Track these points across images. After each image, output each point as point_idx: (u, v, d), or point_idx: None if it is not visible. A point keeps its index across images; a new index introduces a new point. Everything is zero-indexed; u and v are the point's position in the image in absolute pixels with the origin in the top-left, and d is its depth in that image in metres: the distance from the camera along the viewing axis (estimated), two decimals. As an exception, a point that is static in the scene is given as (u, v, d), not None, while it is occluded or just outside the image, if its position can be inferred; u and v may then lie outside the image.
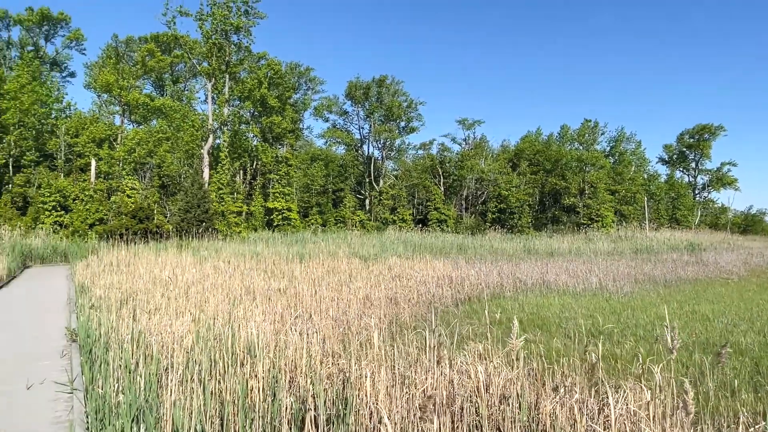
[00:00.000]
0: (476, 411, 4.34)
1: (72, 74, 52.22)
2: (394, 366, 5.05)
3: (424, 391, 4.55)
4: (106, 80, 40.05)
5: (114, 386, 5.64)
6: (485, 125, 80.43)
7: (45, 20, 47.42)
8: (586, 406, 4.50)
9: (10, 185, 36.70)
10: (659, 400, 4.02)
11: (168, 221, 32.58)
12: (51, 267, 23.18)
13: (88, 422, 5.30)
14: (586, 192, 56.16)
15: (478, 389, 4.45)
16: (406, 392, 4.56)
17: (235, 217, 38.22)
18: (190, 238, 29.29)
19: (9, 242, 24.07)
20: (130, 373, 5.87)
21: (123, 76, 41.54)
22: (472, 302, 14.38)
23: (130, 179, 35.50)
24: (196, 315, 8.86)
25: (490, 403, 4.37)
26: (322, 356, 6.29)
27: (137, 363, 6.18)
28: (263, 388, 5.27)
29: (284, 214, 43.02)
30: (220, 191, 38.00)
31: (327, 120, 58.64)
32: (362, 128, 58.20)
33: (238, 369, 5.66)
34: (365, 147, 58.79)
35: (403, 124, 57.69)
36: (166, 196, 37.59)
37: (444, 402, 4.48)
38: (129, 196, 34.12)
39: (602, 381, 4.58)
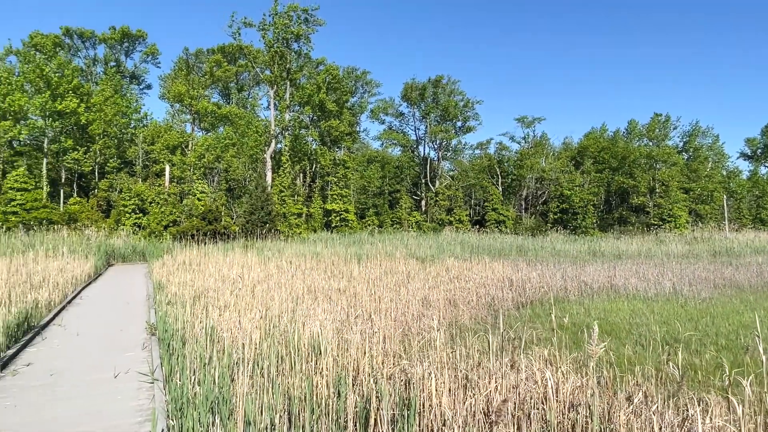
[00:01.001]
0: (543, 418, 4.21)
1: (148, 86, 56.38)
2: (456, 368, 5.01)
3: (487, 395, 4.49)
4: (178, 91, 42.84)
5: (191, 378, 6.02)
6: (546, 122, 77.65)
7: (125, 38, 51.52)
8: (664, 419, 4.24)
9: (96, 190, 40.16)
10: (750, 417, 3.70)
11: (234, 223, 34.23)
12: (131, 265, 25.07)
13: (168, 411, 5.69)
14: (657, 191, 52.68)
15: (545, 395, 4.32)
16: (471, 395, 4.51)
17: (295, 219, 39.48)
18: (255, 239, 30.61)
19: (95, 242, 26.32)
20: (204, 366, 6.25)
21: (193, 87, 44.22)
22: (534, 306, 13.93)
23: (200, 183, 37.69)
24: (262, 312, 9.25)
25: (558, 410, 4.23)
26: (383, 356, 6.37)
27: (210, 356, 6.56)
28: (327, 385, 5.42)
29: (342, 216, 43.86)
30: (282, 194, 39.41)
31: (383, 122, 59.21)
32: (418, 129, 58.21)
33: (304, 366, 5.86)
34: (421, 148, 58.73)
35: (459, 123, 57.08)
36: (233, 198, 39.54)
37: (509, 407, 4.39)
38: (199, 199, 36.22)
39: (685, 393, 4.29)
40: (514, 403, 4.41)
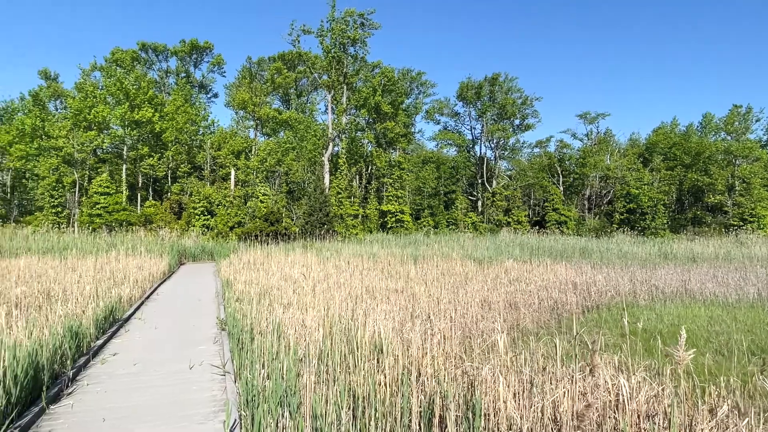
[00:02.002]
0: (616, 427, 4.04)
1: (215, 95, 59.63)
2: (520, 372, 4.92)
3: (554, 401, 4.36)
4: (242, 98, 44.96)
5: (260, 371, 6.32)
6: (610, 118, 73.61)
7: (194, 50, 54.78)
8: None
9: (169, 193, 42.99)
10: None
11: (294, 224, 35.38)
12: (200, 264, 26.58)
13: (240, 402, 6.02)
14: (737, 188, 48.53)
15: (617, 403, 4.14)
16: (538, 400, 4.41)
17: (352, 220, 40.15)
18: (314, 239, 31.48)
19: (168, 242, 28.18)
20: (272, 360, 6.54)
21: (256, 94, 46.21)
22: (600, 310, 13.33)
23: (262, 186, 39.30)
24: (323, 311, 9.52)
25: (632, 419, 4.04)
26: (444, 357, 6.36)
27: (277, 352, 6.85)
28: (389, 384, 5.51)
29: (397, 217, 44.06)
30: (339, 195, 40.23)
31: (438, 122, 58.85)
32: (474, 129, 57.32)
33: (366, 364, 5.98)
34: (477, 148, 57.78)
35: (517, 121, 55.60)
36: (293, 200, 40.88)
37: (576, 414, 4.25)
38: (261, 202, 37.77)
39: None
40: (592, 410, 4.26)
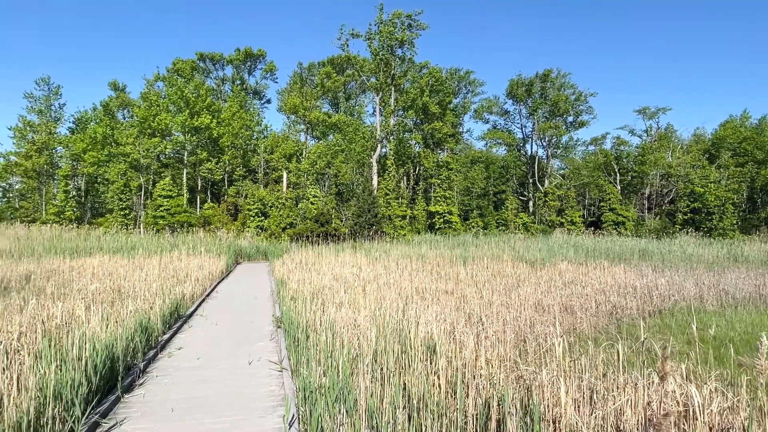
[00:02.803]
0: (685, 439, 3.85)
1: (268, 101, 61.66)
2: (580, 378, 4.78)
3: (617, 409, 4.21)
4: (293, 103, 46.27)
5: (316, 369, 6.51)
6: (672, 113, 69.38)
7: (248, 57, 56.97)
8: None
9: (226, 196, 44.94)
10: None
11: (343, 225, 35.97)
12: (255, 264, 27.60)
13: (297, 398, 6.23)
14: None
15: (686, 414, 3.94)
16: (600, 407, 4.27)
17: (400, 221, 40.29)
18: (362, 240, 31.87)
19: (225, 243, 29.44)
20: (327, 358, 6.72)
21: (306, 98, 47.42)
22: (663, 315, 12.64)
23: (312, 188, 40.27)
24: (375, 310, 9.64)
25: None
26: (499, 361, 6.28)
27: (332, 350, 7.02)
28: (443, 385, 5.51)
29: (445, 218, 43.76)
30: (387, 197, 40.49)
31: (487, 121, 57.89)
32: (524, 127, 55.90)
33: (420, 365, 6.02)
34: (528, 146, 56.31)
35: (570, 118, 53.68)
36: (342, 202, 41.58)
37: (646, 423, 4.08)
38: (312, 203, 38.70)
39: None
40: (670, 419, 4.09)
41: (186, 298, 13.54)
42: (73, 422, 5.53)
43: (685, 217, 44.45)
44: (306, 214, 36.88)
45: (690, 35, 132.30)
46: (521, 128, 56.14)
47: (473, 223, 46.55)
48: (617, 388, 4.66)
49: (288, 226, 36.13)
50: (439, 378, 5.39)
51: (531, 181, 54.07)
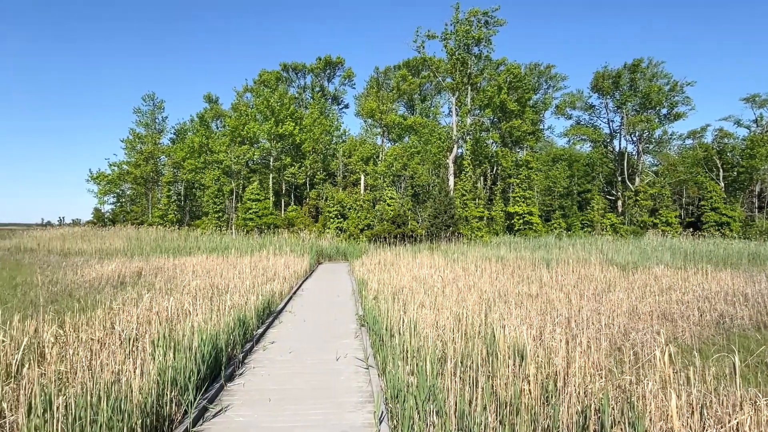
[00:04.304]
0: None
1: (346, 106, 63.59)
2: (687, 392, 4.45)
3: (732, 428, 3.86)
4: (370, 107, 47.29)
5: (402, 368, 6.65)
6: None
7: (327, 65, 59.19)
8: None
9: (307, 199, 47.00)
10: None
11: (420, 226, 36.09)
12: (335, 264, 28.58)
13: (385, 395, 6.40)
14: None
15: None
16: (714, 425, 3.95)
17: (477, 222, 39.59)
18: (439, 242, 31.76)
19: (308, 243, 30.80)
20: (412, 358, 6.84)
21: (382, 102, 48.24)
22: (782, 328, 11.26)
23: (389, 190, 40.86)
24: (457, 312, 9.61)
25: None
26: (593, 369, 6.01)
27: (417, 350, 7.13)
28: (533, 391, 5.39)
29: (525, 219, 42.29)
30: (464, 197, 39.98)
31: (570, 117, 55.12)
32: (612, 121, 52.48)
33: (508, 369, 5.93)
34: (616, 142, 52.77)
35: (664, 111, 49.50)
36: (418, 203, 41.74)
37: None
38: (389, 205, 39.28)
39: None
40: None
41: (275, 295, 14.38)
42: (187, 405, 6.14)
43: (808, 216, 39.16)
44: (383, 215, 37.50)
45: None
46: (608, 123, 52.82)
47: (555, 225, 44.53)
48: (733, 405, 4.27)
49: (366, 228, 36.96)
50: (529, 383, 5.28)
51: (620, 179, 50.61)
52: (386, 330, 8.81)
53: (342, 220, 39.06)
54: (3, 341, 7.44)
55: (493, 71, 45.60)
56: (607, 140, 53.13)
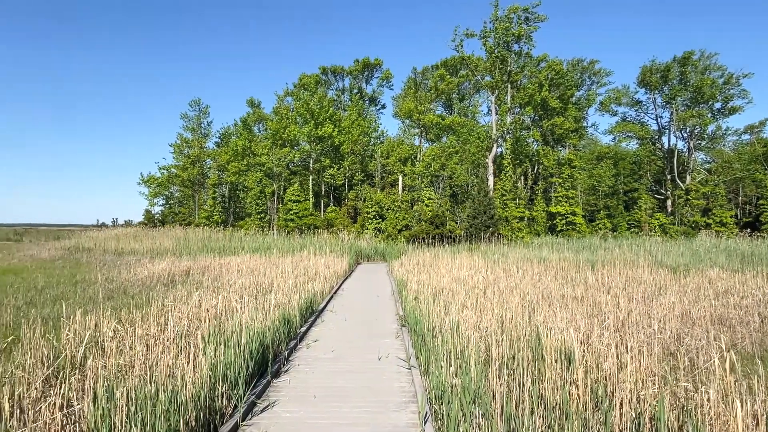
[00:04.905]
0: None
1: (383, 107, 63.85)
2: (754, 401, 4.22)
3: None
4: (407, 108, 47.33)
5: (446, 369, 6.63)
6: None
7: (365, 67, 59.66)
8: None
9: (346, 200, 47.54)
10: None
11: (458, 227, 35.77)
12: (374, 264, 28.77)
13: (429, 395, 6.41)
14: None
15: None
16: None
17: (517, 222, 38.85)
18: (478, 242, 31.37)
19: (347, 244, 31.15)
20: (456, 359, 6.81)
21: (420, 102, 48.17)
22: None
23: (427, 191, 40.75)
24: (500, 314, 9.48)
25: None
26: (645, 375, 5.80)
27: (461, 351, 7.09)
28: (581, 396, 5.26)
29: (568, 219, 41.14)
30: (504, 197, 39.33)
31: (615, 114, 53.13)
32: (660, 117, 50.22)
33: (553, 373, 5.81)
34: (665, 138, 50.47)
35: (718, 105, 46.93)
36: (456, 203, 41.39)
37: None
38: (427, 205, 39.16)
39: None
40: None
41: (317, 294, 14.64)
42: (237, 400, 6.36)
43: None
44: (421, 216, 37.42)
45: None
46: (656, 119, 50.59)
47: (600, 225, 43.07)
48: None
49: (404, 228, 36.99)
50: (578, 388, 5.16)
51: (669, 177, 48.36)
52: (428, 331, 8.80)
53: (380, 220, 39.26)
54: (68, 335, 7.95)
55: (534, 68, 44.61)
56: (655, 137, 50.90)
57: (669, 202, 47.96)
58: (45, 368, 6.60)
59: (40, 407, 5.24)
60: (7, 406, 5.15)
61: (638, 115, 51.84)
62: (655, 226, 42.68)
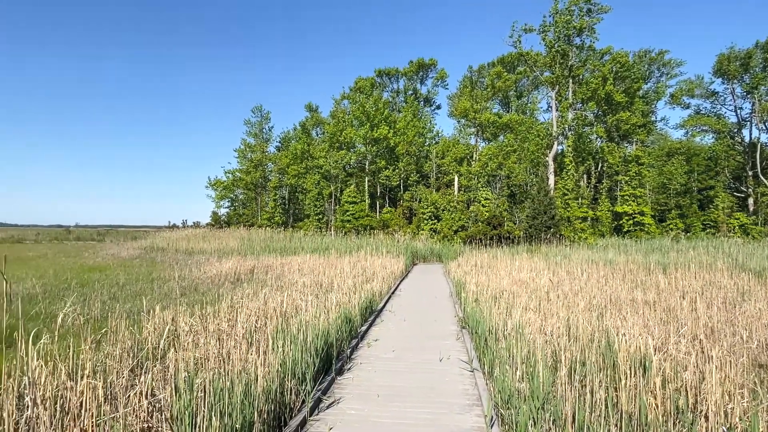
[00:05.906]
0: None
1: (438, 107, 63.48)
2: None
3: None
4: (463, 107, 46.76)
5: (511, 373, 6.52)
6: None
7: (420, 68, 59.65)
8: None
9: (401, 201, 47.74)
10: None
11: (517, 227, 34.85)
12: (430, 265, 28.66)
13: (494, 399, 6.32)
14: None
15: None
16: None
17: (580, 223, 37.26)
18: (539, 244, 30.40)
19: (402, 244, 31.26)
20: (522, 363, 6.67)
21: (476, 101, 47.45)
22: None
23: (484, 191, 40.05)
24: (567, 318, 9.17)
25: None
26: (732, 387, 5.40)
27: (527, 355, 6.93)
28: (659, 406, 4.99)
29: (635, 219, 38.91)
30: (565, 197, 37.86)
31: (687, 107, 49.63)
32: (740, 109, 46.30)
33: (628, 381, 5.55)
34: (745, 132, 46.61)
35: (811, 93, 42.55)
36: (514, 203, 40.37)
37: None
38: (483, 206, 38.49)
39: None
40: None
41: (375, 294, 14.81)
42: (304, 395, 6.60)
43: None
44: (478, 216, 36.82)
45: None
46: (735, 111, 46.68)
47: (671, 225, 40.39)
48: None
49: (460, 229, 36.57)
50: (655, 398, 4.89)
51: (750, 173, 44.48)
52: (490, 333, 8.67)
53: (435, 221, 39.05)
54: (148, 328, 8.58)
55: (597, 62, 42.62)
56: (734, 130, 47.01)
57: (751, 201, 44.12)
58: (130, 359, 7.16)
59: (129, 395, 5.69)
60: (101, 393, 5.65)
61: (714, 107, 48.15)
62: (734, 227, 39.43)
